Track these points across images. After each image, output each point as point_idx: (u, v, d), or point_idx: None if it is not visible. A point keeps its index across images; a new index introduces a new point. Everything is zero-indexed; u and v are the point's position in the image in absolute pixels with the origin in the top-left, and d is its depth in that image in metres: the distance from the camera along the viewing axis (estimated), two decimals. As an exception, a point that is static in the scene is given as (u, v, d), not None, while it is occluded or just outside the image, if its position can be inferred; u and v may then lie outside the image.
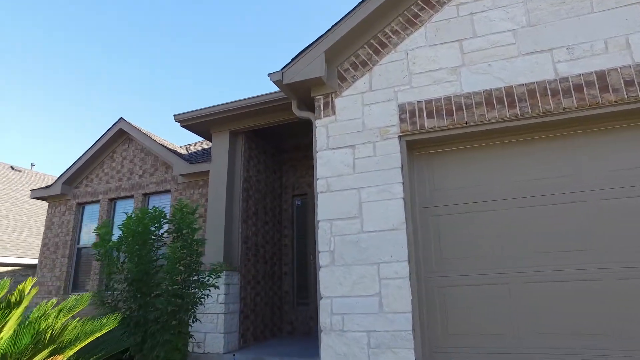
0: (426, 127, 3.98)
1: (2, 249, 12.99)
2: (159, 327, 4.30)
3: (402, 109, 4.11)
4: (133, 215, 4.74)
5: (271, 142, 8.01)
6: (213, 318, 5.89)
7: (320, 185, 4.20)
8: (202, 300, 4.78)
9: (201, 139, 8.00)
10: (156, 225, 4.83)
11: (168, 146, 8.02)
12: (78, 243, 8.60)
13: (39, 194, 8.95)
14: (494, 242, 3.77)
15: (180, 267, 4.63)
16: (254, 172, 7.28)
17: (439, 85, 4.06)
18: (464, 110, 3.90)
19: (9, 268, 12.99)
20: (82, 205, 8.73)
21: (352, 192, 4.00)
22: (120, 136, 8.63)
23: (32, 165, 20.03)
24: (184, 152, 8.80)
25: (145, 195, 8.01)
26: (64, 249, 8.51)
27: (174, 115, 6.86)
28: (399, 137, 4.06)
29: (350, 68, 4.45)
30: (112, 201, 8.37)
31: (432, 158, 4.20)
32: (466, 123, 3.87)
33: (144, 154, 8.28)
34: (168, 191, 7.76)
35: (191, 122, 6.87)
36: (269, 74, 4.42)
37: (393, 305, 3.61)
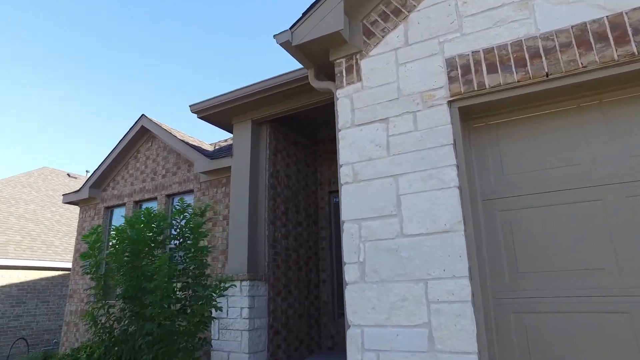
0: (487, 86, 2.83)
1: (54, 253, 13.22)
2: (151, 357, 3.50)
3: (451, 64, 2.98)
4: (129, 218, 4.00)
5: (302, 132, 7.08)
6: (236, 335, 5.06)
7: (344, 174, 3.18)
8: (207, 322, 3.93)
9: (231, 134, 7.27)
10: (154, 230, 4.06)
11: (190, 142, 7.36)
12: (107, 249, 8.19)
13: (70, 199, 8.71)
14: (600, 247, 2.55)
15: (176, 284, 3.81)
16: (282, 167, 6.39)
17: (503, 27, 2.89)
18: (543, 57, 2.71)
19: (60, 272, 13.19)
20: (110, 209, 8.35)
21: (387, 181, 2.94)
22: (143, 134, 8.13)
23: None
24: (210, 149, 8.13)
25: (169, 196, 7.41)
26: (95, 255, 8.15)
27: (190, 106, 6.14)
28: (449, 102, 2.94)
29: (378, 19, 3.38)
30: (138, 204, 7.88)
31: (497, 130, 3.03)
32: (547, 75, 2.68)
33: (166, 152, 7.70)
34: (191, 191, 7.09)
35: (208, 112, 6.12)
36: (275, 36, 3.47)
37: (449, 341, 2.52)
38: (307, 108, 5.71)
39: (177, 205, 4.38)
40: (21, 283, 11.86)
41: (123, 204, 8.01)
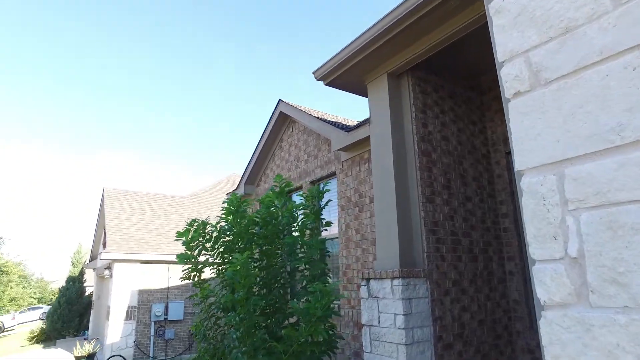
0: None
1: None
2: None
3: None
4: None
5: (457, 80, 5.40)
6: (391, 350, 3.88)
7: (509, 77, 1.56)
8: (331, 343, 2.85)
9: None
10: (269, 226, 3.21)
11: (326, 118, 6.47)
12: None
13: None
14: None
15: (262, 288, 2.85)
16: (435, 127, 4.89)
17: None
18: None
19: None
20: (264, 202, 8.18)
21: (617, 64, 1.27)
22: (283, 121, 7.65)
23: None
24: (353, 124, 7.12)
25: (313, 182, 6.69)
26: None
27: (314, 72, 5.20)
28: None
29: None
30: (288, 195, 7.43)
31: None
32: None
33: (306, 135, 7.00)
34: (333, 174, 6.19)
35: (335, 73, 5.05)
36: None
37: None
38: (462, 35, 4.09)
39: (275, 185, 3.46)
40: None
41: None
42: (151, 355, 11.67)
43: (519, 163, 1.46)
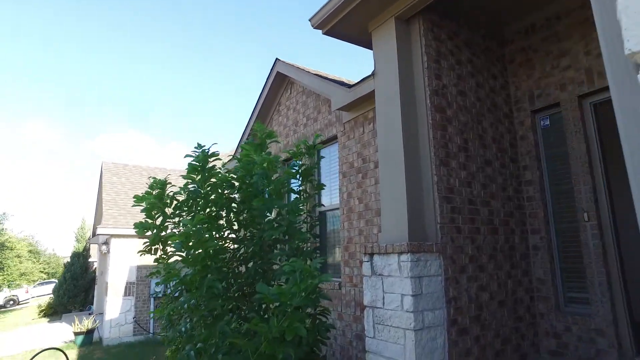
0: None
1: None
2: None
3: None
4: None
5: (477, 27, 4.66)
6: (397, 335, 3.33)
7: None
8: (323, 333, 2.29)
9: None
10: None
11: (327, 76, 5.77)
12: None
13: (228, 167, 8.35)
14: None
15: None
16: (450, 80, 4.19)
17: None
18: None
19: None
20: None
21: None
22: (281, 83, 6.95)
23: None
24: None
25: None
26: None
27: (310, 20, 4.49)
28: None
29: None
30: (285, 163, 6.81)
31: None
32: None
33: (305, 97, 6.32)
34: (334, 138, 5.54)
35: (335, 19, 4.34)
36: None
37: None
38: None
39: (254, 130, 2.83)
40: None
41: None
42: (151, 331, 11.41)
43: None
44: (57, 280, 31.63)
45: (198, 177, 2.82)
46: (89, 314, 14.84)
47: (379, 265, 3.64)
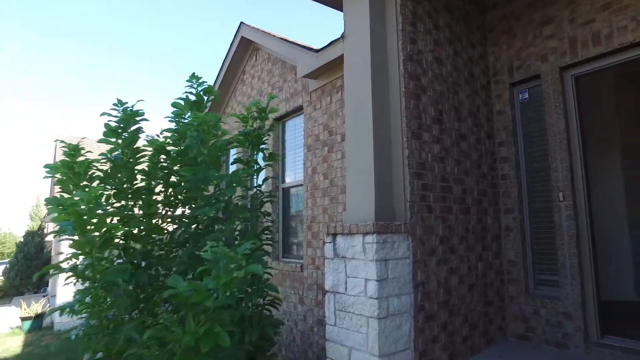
0: None
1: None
2: None
3: None
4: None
5: (458, -14, 4.28)
6: (360, 323, 3.01)
7: None
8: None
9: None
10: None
11: (293, 41, 5.28)
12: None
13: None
14: None
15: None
16: (427, 45, 3.81)
17: None
18: None
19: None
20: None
21: None
22: (246, 49, 6.41)
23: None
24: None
25: (278, 120, 5.59)
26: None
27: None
28: None
29: None
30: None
31: None
32: None
33: (270, 64, 5.82)
34: (300, 109, 5.10)
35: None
36: None
37: None
38: None
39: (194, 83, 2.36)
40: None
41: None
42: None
43: None
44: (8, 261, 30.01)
45: (119, 142, 2.33)
46: (44, 296, 14.01)
47: (342, 246, 3.28)
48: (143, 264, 2.23)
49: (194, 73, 2.41)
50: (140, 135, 2.43)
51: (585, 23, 3.78)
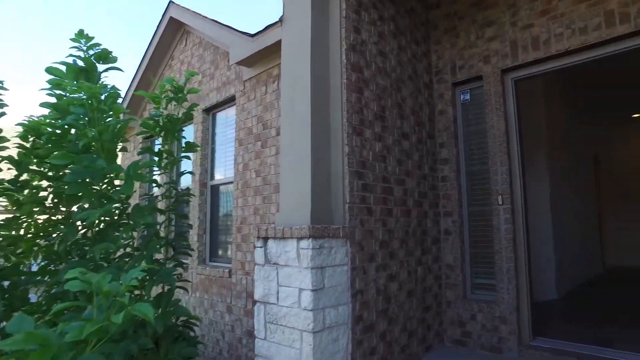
0: None
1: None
2: None
3: None
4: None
5: (404, -22, 4.10)
6: (293, 338, 2.68)
7: None
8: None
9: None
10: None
11: (226, 24, 4.82)
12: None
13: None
14: None
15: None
16: (371, 37, 3.57)
17: None
18: None
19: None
20: (149, 140, 6.38)
21: None
22: (175, 33, 5.82)
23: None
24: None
25: (207, 111, 5.09)
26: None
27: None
28: None
29: None
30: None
31: None
32: None
33: (202, 49, 5.30)
34: (232, 99, 4.66)
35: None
36: None
37: None
38: None
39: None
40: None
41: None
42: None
43: None
44: None
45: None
46: None
47: (274, 252, 2.93)
48: (6, 284, 1.72)
49: (81, 30, 1.89)
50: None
51: (526, 27, 3.76)
